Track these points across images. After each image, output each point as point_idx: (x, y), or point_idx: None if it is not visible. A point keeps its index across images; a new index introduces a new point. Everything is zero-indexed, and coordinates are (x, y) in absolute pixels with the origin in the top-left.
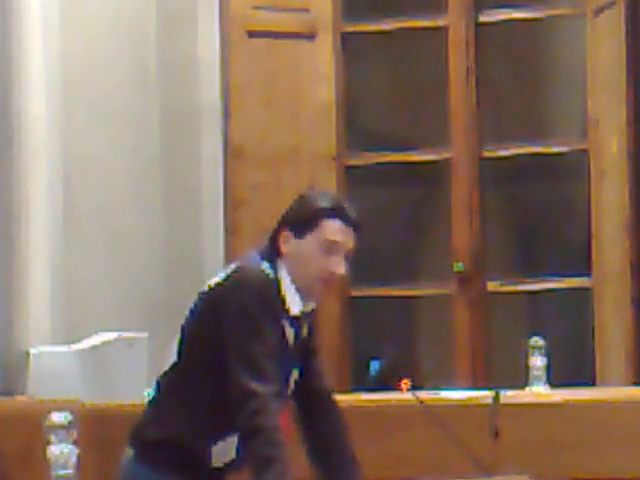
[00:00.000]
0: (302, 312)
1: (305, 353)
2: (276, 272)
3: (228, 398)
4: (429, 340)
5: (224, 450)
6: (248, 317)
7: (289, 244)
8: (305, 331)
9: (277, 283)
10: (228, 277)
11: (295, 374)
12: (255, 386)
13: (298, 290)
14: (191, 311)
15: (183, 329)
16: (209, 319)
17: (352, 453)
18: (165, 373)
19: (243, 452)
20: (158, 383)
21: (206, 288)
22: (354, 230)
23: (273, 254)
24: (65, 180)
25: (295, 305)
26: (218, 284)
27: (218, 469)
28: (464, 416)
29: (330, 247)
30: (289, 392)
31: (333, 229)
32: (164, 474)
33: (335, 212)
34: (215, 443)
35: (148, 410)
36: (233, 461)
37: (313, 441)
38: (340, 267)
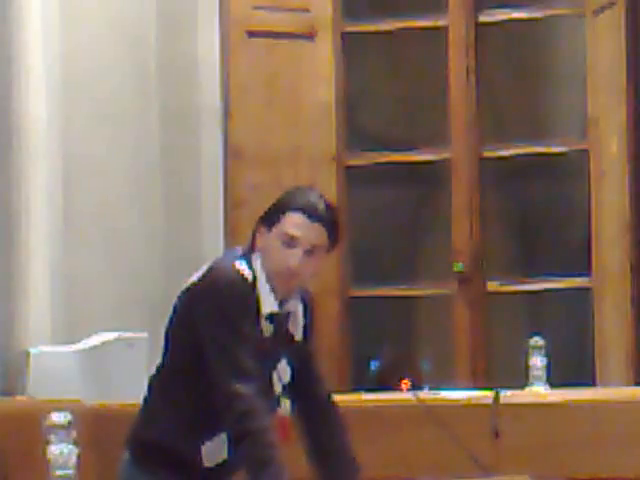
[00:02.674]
0: (280, 310)
1: (300, 357)
2: (253, 269)
3: (211, 397)
4: (429, 340)
5: (214, 450)
6: (223, 317)
7: (262, 238)
8: (297, 333)
9: (254, 280)
10: (203, 277)
11: (280, 372)
12: (238, 387)
13: (273, 288)
14: (173, 311)
15: (166, 330)
16: (186, 320)
17: (352, 456)
18: (153, 374)
19: (236, 455)
20: (149, 384)
21: (184, 288)
22: (324, 226)
23: (250, 248)
24: (65, 180)
25: (268, 303)
26: (193, 284)
27: (211, 470)
28: (464, 416)
29: (288, 240)
30: (276, 391)
31: (292, 222)
32: (157, 476)
33: (298, 206)
34: (203, 443)
35: (140, 412)
36: (226, 461)
37: (313, 445)
38: (293, 260)
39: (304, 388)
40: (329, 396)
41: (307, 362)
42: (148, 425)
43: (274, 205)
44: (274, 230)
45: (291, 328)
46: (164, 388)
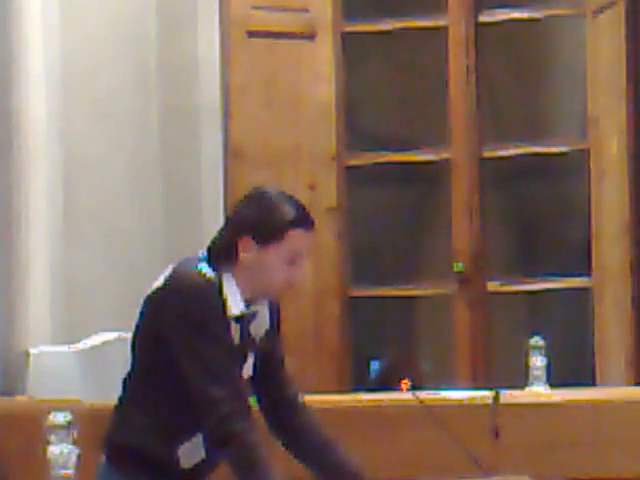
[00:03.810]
0: (247, 312)
1: (263, 359)
2: (218, 273)
3: (185, 400)
4: (429, 340)
5: (192, 451)
6: (191, 321)
7: (250, 252)
8: (257, 335)
9: (218, 283)
10: (166, 282)
11: (246, 373)
12: (214, 390)
13: (242, 292)
14: (140, 314)
15: (133, 336)
16: (153, 326)
17: (336, 445)
18: (125, 376)
19: (218, 458)
20: (122, 386)
21: (149, 293)
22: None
23: (226, 257)
24: (65, 180)
25: (234, 305)
26: (158, 289)
27: (189, 470)
28: (464, 416)
29: (295, 258)
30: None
31: (299, 240)
32: (133, 479)
33: (297, 221)
34: (182, 444)
35: (114, 414)
36: (204, 461)
37: (294, 447)
38: (299, 277)
39: (278, 395)
40: (299, 397)
41: (278, 368)
42: (121, 427)
43: (271, 221)
44: (273, 248)
45: (252, 330)
46: (136, 391)
